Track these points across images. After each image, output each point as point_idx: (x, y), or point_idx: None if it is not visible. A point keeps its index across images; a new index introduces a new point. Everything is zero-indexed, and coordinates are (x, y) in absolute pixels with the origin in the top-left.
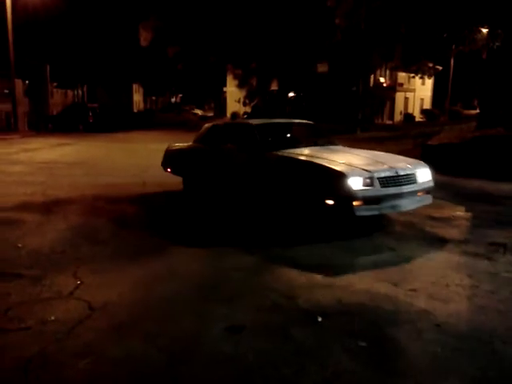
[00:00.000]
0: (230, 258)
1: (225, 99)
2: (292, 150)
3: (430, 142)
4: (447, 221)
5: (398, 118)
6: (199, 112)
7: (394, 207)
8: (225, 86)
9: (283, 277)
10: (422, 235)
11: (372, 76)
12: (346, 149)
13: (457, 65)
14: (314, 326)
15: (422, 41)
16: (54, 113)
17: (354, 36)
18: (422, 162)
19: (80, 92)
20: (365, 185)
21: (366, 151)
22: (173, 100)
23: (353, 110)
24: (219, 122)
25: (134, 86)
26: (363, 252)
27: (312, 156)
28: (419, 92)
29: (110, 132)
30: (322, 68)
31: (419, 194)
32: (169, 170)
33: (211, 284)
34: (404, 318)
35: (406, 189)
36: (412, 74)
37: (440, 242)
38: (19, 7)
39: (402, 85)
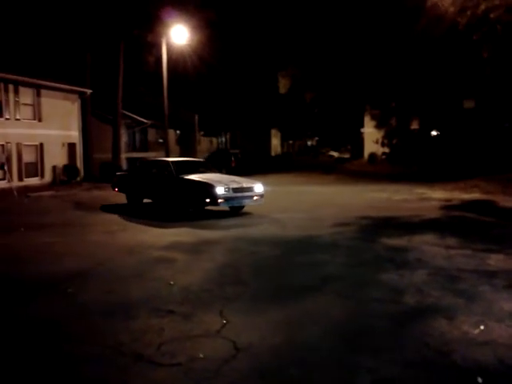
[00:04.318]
0: (372, 304)
1: (362, 140)
2: (191, 175)
3: None
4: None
5: None
6: (335, 154)
7: (239, 203)
8: (362, 127)
9: (433, 328)
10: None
11: None
12: (220, 174)
13: None
14: None
15: None
16: (201, 159)
17: (505, 69)
18: (257, 181)
19: (223, 139)
20: (224, 191)
21: (231, 176)
22: (309, 143)
23: (507, 148)
24: (147, 159)
25: (272, 131)
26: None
27: (200, 177)
28: None
29: (250, 175)
30: (469, 104)
31: (255, 197)
32: (116, 189)
33: (355, 332)
34: None
35: (246, 194)
36: None
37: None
38: (171, 65)
39: None
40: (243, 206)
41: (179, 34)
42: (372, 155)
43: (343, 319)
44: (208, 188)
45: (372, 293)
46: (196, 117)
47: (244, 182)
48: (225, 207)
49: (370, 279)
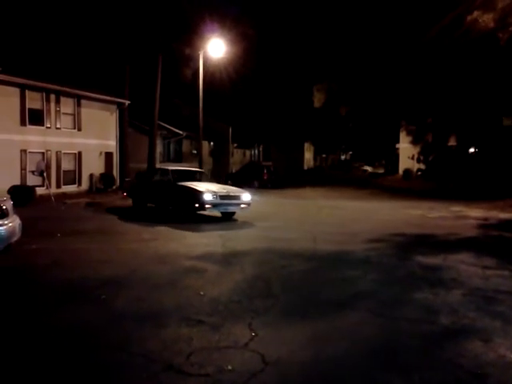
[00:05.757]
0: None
1: (397, 156)
2: (186, 182)
3: None
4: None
5: None
6: (369, 169)
7: (226, 209)
8: (397, 142)
9: (468, 349)
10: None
11: None
12: (212, 183)
13: None
14: None
15: None
16: (233, 170)
17: None
18: (245, 191)
19: (256, 151)
20: (212, 197)
21: (220, 184)
22: (343, 157)
23: None
24: (151, 167)
25: (306, 145)
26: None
27: (193, 184)
28: None
29: (283, 188)
30: (508, 121)
31: (242, 205)
32: (125, 194)
33: (385, 350)
34: None
35: (233, 201)
36: None
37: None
38: (207, 77)
39: None
40: (233, 213)
41: (216, 48)
42: (407, 171)
43: (373, 337)
44: (197, 194)
45: (404, 311)
46: (230, 129)
47: (232, 191)
48: (217, 213)
49: (402, 297)
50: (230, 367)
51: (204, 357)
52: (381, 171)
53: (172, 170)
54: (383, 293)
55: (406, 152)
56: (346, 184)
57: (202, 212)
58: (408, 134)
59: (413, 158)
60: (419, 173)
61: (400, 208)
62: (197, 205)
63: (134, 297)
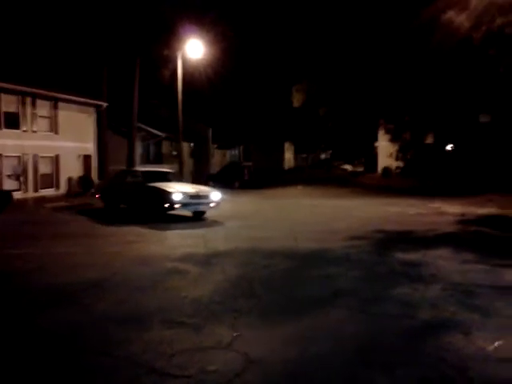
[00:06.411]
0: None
1: (376, 154)
2: (156, 183)
3: None
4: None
5: None
6: (349, 167)
7: (196, 208)
8: (376, 140)
9: (449, 343)
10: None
11: None
12: (181, 183)
13: None
14: None
15: None
16: (214, 171)
17: None
18: (215, 190)
19: (237, 152)
20: (181, 197)
21: (190, 184)
22: (323, 156)
23: None
24: (121, 168)
25: (286, 145)
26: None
27: (162, 185)
28: None
29: (263, 188)
30: (485, 118)
31: (212, 204)
32: (97, 195)
33: (368, 347)
34: None
35: (202, 201)
36: None
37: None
38: (186, 78)
39: None
40: (203, 212)
41: (194, 49)
42: (386, 169)
43: (356, 334)
44: (166, 194)
45: (386, 307)
46: (210, 130)
47: (201, 190)
48: (187, 212)
49: (383, 293)
50: (213, 368)
51: (187, 358)
52: (360, 170)
53: (142, 172)
54: (364, 289)
55: (385, 150)
56: (326, 183)
57: (173, 212)
58: (386, 132)
59: (391, 156)
60: (398, 170)
61: (379, 205)
62: (166, 205)
63: (116, 299)
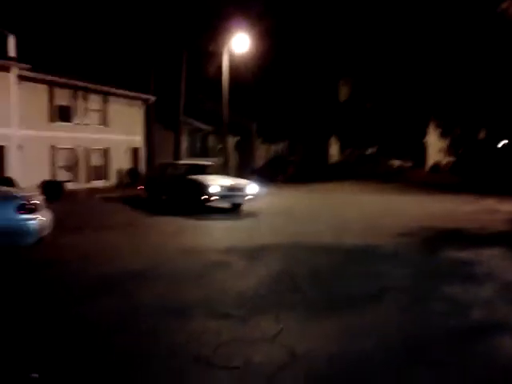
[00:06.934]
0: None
1: (425, 149)
2: (195, 175)
3: None
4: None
5: None
6: (396, 163)
7: (233, 200)
8: (425, 135)
9: (501, 345)
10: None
11: None
12: (218, 175)
13: None
14: None
15: None
16: (258, 165)
17: None
18: (252, 182)
19: (281, 146)
20: (218, 189)
21: (228, 177)
22: (369, 151)
23: None
24: (164, 162)
25: (331, 139)
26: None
27: (200, 178)
28: None
29: (307, 183)
30: None
31: (248, 196)
32: (140, 187)
33: (415, 345)
34: None
35: (239, 193)
36: None
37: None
38: (231, 72)
39: None
40: (240, 204)
41: (241, 43)
42: (435, 165)
43: (402, 332)
44: (204, 186)
45: (435, 306)
46: (255, 123)
47: (238, 183)
48: (219, 202)
49: (432, 292)
50: (257, 360)
51: (231, 349)
52: (408, 165)
53: (182, 164)
54: (412, 287)
55: (434, 145)
56: (372, 178)
57: (211, 204)
58: (437, 127)
59: (441, 152)
60: (447, 167)
61: (428, 202)
62: (204, 197)
63: (160, 290)
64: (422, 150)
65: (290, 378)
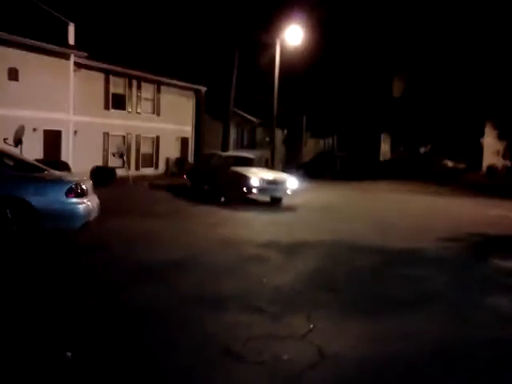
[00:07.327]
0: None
1: (481, 151)
2: (237, 167)
3: None
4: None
5: None
6: (450, 163)
7: (272, 194)
8: (482, 136)
9: None
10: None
11: None
12: (261, 168)
13: None
14: None
15: None
16: (306, 160)
17: None
18: (291, 176)
19: (330, 141)
20: (258, 182)
21: (270, 170)
22: (422, 150)
23: None
24: (208, 153)
25: (382, 136)
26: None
27: (242, 170)
28: None
29: (356, 180)
30: None
31: (288, 190)
32: (184, 176)
33: (452, 354)
34: None
35: (279, 187)
36: None
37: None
38: (283, 65)
39: None
40: (280, 198)
41: (293, 35)
42: (491, 167)
43: (439, 339)
44: (244, 178)
45: (476, 316)
46: (304, 117)
47: (278, 177)
48: (259, 195)
49: (475, 301)
50: (286, 357)
51: (261, 344)
52: (462, 166)
53: (225, 156)
54: (454, 295)
55: (491, 147)
56: (423, 178)
57: (251, 196)
58: (494, 127)
59: (498, 154)
60: (504, 170)
61: (480, 206)
62: (244, 189)
63: (197, 280)
64: (476, 152)
65: (317, 377)
